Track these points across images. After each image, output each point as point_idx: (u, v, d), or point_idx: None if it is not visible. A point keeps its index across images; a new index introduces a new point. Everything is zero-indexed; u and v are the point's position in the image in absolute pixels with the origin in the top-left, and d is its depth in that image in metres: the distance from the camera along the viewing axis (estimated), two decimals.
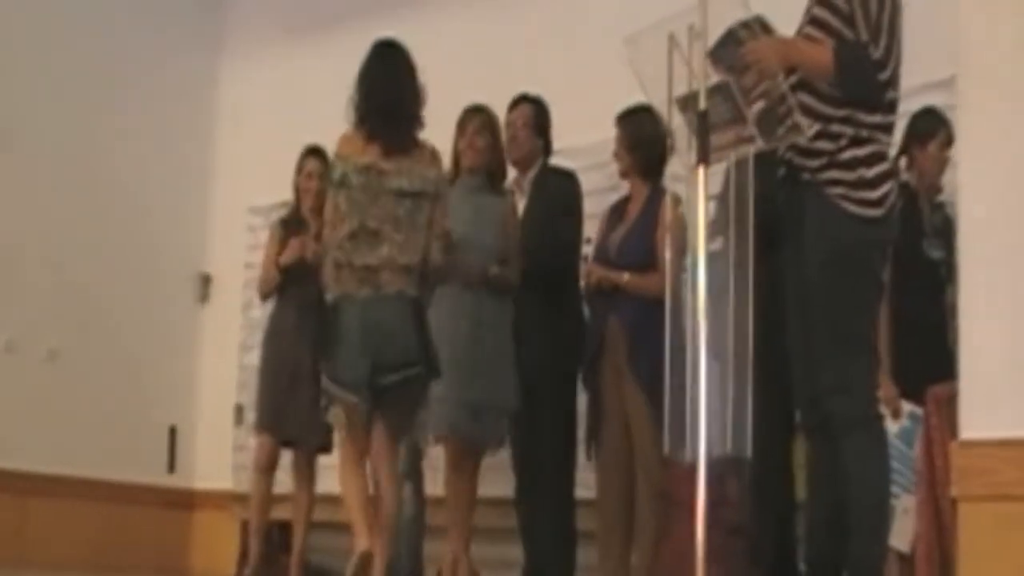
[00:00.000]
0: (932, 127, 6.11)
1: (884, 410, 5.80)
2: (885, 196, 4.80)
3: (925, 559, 5.28)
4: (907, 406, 5.87)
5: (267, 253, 7.63)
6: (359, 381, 5.69)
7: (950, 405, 4.91)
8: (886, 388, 5.88)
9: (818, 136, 4.72)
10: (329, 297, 5.82)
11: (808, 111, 4.68)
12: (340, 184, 5.79)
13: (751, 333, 4.59)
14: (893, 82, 4.82)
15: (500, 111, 7.06)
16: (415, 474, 7.02)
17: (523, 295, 6.75)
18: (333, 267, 5.77)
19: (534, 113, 7.06)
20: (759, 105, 4.61)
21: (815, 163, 4.77)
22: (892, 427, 5.85)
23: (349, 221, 5.73)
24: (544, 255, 6.74)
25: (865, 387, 4.85)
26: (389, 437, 5.86)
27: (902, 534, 5.65)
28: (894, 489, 5.70)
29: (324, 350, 5.78)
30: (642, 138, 6.34)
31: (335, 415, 5.89)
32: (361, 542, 5.60)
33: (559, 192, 6.93)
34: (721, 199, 5.03)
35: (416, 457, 7.03)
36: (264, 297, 7.65)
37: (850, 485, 4.76)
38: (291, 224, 7.58)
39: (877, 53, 4.74)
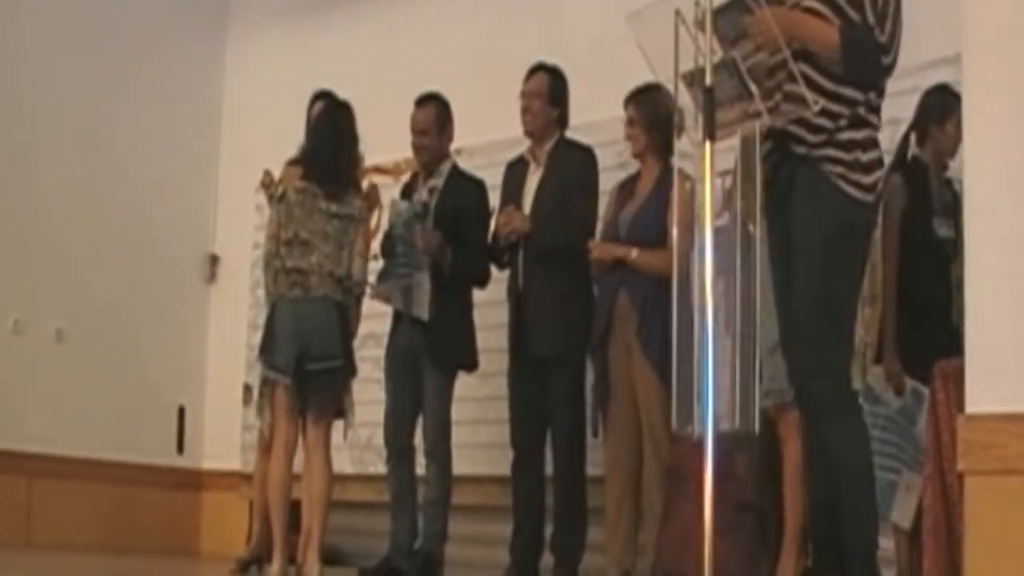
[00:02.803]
0: (950, 104, 6.07)
1: (887, 386, 5.82)
2: (876, 183, 4.82)
3: (932, 533, 5.28)
4: (909, 382, 5.88)
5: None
6: (288, 366, 6.46)
7: (957, 380, 4.91)
8: (890, 364, 5.89)
9: (820, 113, 4.72)
10: (269, 299, 6.68)
11: (805, 81, 4.69)
12: (280, 199, 6.61)
13: (757, 308, 4.61)
14: (892, 68, 4.84)
15: (512, 85, 7.06)
16: (442, 455, 7.02)
17: (535, 269, 6.77)
18: (272, 274, 6.59)
19: (549, 83, 7.05)
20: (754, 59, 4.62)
21: (814, 138, 4.77)
22: (894, 403, 5.86)
23: (285, 230, 6.54)
24: (560, 230, 6.76)
25: (844, 368, 4.87)
26: (316, 421, 6.55)
27: (904, 511, 5.66)
28: (896, 464, 5.72)
29: (263, 342, 6.65)
30: (659, 117, 6.32)
31: (257, 404, 6.87)
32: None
33: (576, 168, 6.94)
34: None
35: (443, 438, 7.04)
36: None
37: (840, 466, 4.77)
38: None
39: (882, 37, 4.75)
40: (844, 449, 4.76)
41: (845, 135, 4.77)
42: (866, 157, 4.78)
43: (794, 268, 4.82)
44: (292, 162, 6.76)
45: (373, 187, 7.20)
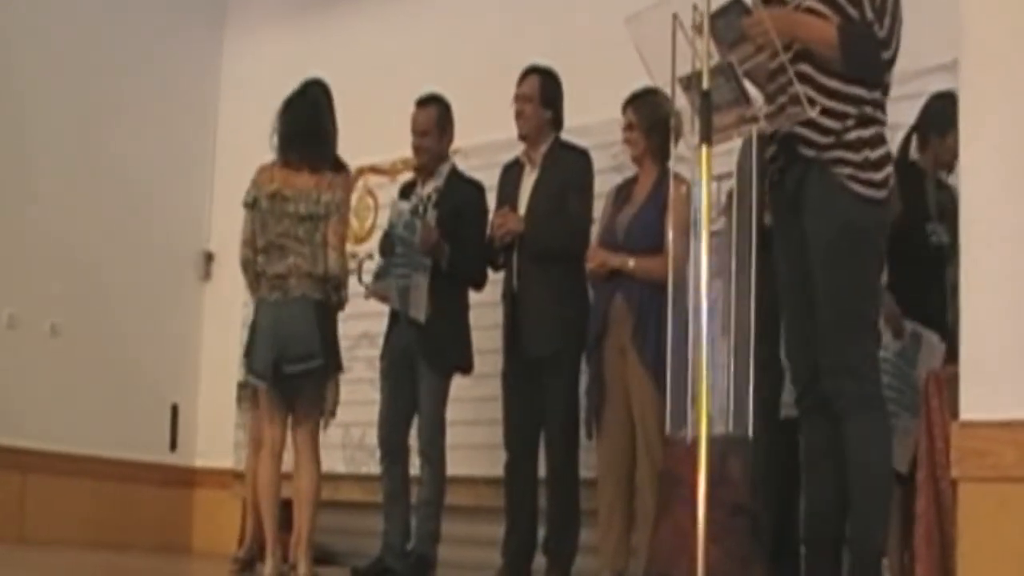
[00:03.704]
0: (953, 116, 6.05)
1: (886, 328, 5.81)
2: (887, 178, 4.84)
3: (925, 540, 5.27)
4: (909, 325, 5.89)
5: None
6: (266, 370, 6.46)
7: (951, 386, 4.91)
8: (888, 307, 5.88)
9: (823, 114, 4.73)
10: (252, 303, 6.71)
11: (810, 82, 4.70)
12: (252, 206, 6.62)
13: (752, 312, 4.61)
14: (892, 62, 4.85)
15: (510, 86, 7.05)
16: (436, 456, 7.01)
17: (531, 270, 6.77)
18: (254, 277, 6.61)
19: (541, 85, 7.04)
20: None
21: (823, 140, 4.77)
22: (893, 347, 5.86)
23: (260, 237, 6.57)
24: (556, 231, 6.76)
25: (870, 368, 4.86)
26: (301, 422, 6.56)
27: (901, 455, 5.64)
28: (894, 408, 5.70)
29: (246, 346, 6.68)
30: (658, 120, 6.31)
31: (242, 411, 7.04)
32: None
33: (572, 169, 6.92)
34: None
35: (437, 439, 7.03)
36: None
37: (851, 467, 4.77)
38: None
39: (881, 32, 4.76)
40: (864, 451, 4.77)
41: (853, 134, 4.78)
42: (875, 154, 4.80)
43: (812, 271, 4.82)
44: (262, 167, 6.74)
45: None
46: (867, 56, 4.77)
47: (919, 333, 5.86)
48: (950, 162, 6.07)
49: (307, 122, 6.66)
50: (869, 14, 4.75)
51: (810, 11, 4.83)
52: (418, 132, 7.25)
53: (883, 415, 4.92)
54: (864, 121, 4.79)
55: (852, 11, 4.77)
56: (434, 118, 7.24)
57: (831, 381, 4.79)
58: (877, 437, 4.83)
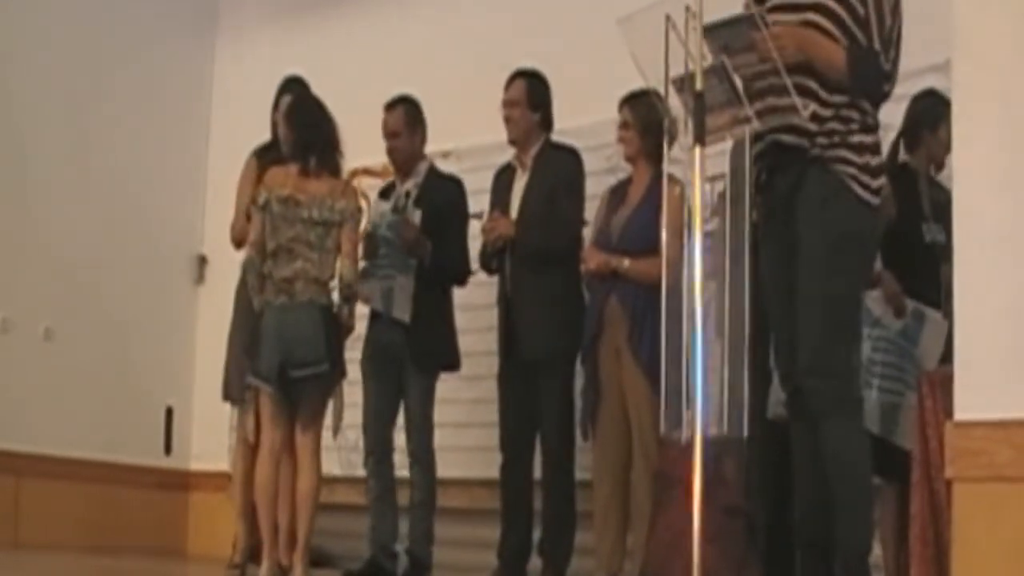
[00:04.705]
0: (942, 110, 6.07)
1: (887, 308, 5.82)
2: (881, 188, 4.89)
3: (919, 540, 5.28)
4: (910, 304, 5.90)
5: (240, 190, 7.53)
6: (271, 373, 6.45)
7: (945, 386, 4.91)
8: (888, 285, 5.89)
9: (831, 117, 4.75)
10: (256, 305, 6.60)
11: (814, 96, 4.72)
12: (263, 208, 6.55)
13: (747, 313, 4.61)
14: (889, 94, 4.90)
15: (499, 89, 7.05)
16: (426, 456, 7.01)
17: (523, 273, 6.77)
18: (259, 280, 6.55)
19: (528, 88, 7.04)
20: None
21: (824, 140, 4.78)
22: (895, 325, 5.88)
23: (270, 241, 6.51)
24: (546, 233, 6.75)
25: (849, 370, 4.88)
26: (304, 427, 6.54)
27: (908, 433, 5.65)
28: (899, 387, 5.73)
29: (250, 350, 6.66)
30: (654, 121, 6.30)
31: (241, 417, 7.28)
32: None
33: (562, 169, 6.92)
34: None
35: (427, 440, 7.02)
36: (238, 244, 7.44)
37: (830, 468, 4.78)
38: (267, 157, 7.36)
39: (887, 65, 4.80)
40: (843, 451, 4.78)
41: (856, 138, 4.81)
42: (875, 161, 4.85)
43: (802, 267, 4.83)
44: (273, 160, 6.77)
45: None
46: (871, 86, 4.84)
47: (921, 311, 5.89)
48: (943, 157, 6.09)
49: (321, 127, 6.68)
50: (877, 44, 4.78)
51: (818, 28, 4.83)
52: (389, 134, 7.29)
53: (860, 417, 4.94)
54: (867, 128, 4.83)
55: (861, 35, 4.79)
56: (402, 118, 7.28)
57: (812, 381, 4.81)
58: (855, 438, 4.85)
